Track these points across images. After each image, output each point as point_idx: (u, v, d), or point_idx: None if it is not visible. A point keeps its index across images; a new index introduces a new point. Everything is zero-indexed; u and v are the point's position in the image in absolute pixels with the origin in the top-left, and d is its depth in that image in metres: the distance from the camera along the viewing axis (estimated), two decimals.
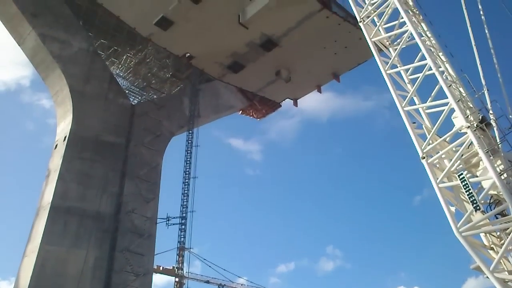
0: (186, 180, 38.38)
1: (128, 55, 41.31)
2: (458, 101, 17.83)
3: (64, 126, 34.89)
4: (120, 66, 42.38)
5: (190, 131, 40.61)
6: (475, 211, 15.70)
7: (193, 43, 38.07)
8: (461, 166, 17.09)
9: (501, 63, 19.96)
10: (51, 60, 34.95)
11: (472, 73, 19.44)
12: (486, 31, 20.54)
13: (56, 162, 33.15)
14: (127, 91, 39.91)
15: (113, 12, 36.03)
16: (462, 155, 16.98)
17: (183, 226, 36.74)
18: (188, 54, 38.97)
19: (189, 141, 40.28)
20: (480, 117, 17.43)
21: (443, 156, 17.83)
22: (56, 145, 34.69)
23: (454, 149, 17.49)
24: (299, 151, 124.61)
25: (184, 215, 37.00)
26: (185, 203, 37.47)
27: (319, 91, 44.61)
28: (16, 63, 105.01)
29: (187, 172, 38.80)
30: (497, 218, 15.87)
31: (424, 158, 17.69)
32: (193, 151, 39.92)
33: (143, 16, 35.75)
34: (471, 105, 18.41)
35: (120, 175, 34.38)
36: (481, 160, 16.23)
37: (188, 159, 39.54)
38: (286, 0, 33.76)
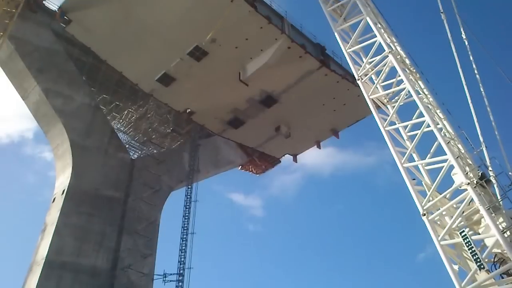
0: (184, 236, 37.95)
1: (130, 110, 41.86)
2: (457, 157, 17.87)
3: (63, 179, 34.84)
4: (121, 120, 42.85)
5: (189, 186, 40.53)
6: (479, 270, 15.38)
7: (194, 99, 38.59)
8: (462, 223, 16.89)
9: (499, 120, 20.18)
10: (53, 114, 35.38)
11: (470, 129, 19.61)
12: (482, 90, 20.84)
13: (53, 216, 32.87)
14: (127, 146, 40.18)
15: (116, 68, 36.71)
16: (463, 212, 16.82)
17: (180, 283, 35.95)
18: (189, 110, 39.38)
19: (188, 196, 40.16)
20: (480, 174, 17.38)
21: (444, 213, 17.67)
22: (54, 199, 34.52)
23: (454, 206, 17.36)
24: (301, 207, 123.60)
25: (181, 271, 36.32)
26: (182, 259, 36.89)
27: (319, 147, 44.86)
28: (21, 116, 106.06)
29: (185, 228, 38.40)
30: (502, 277, 15.54)
31: (424, 215, 17.52)
32: (192, 206, 39.74)
33: (145, 72, 36.41)
34: (470, 162, 18.42)
35: (117, 230, 34.04)
36: (483, 217, 16.07)
37: (187, 214, 39.24)
38: (286, 58, 34.49)
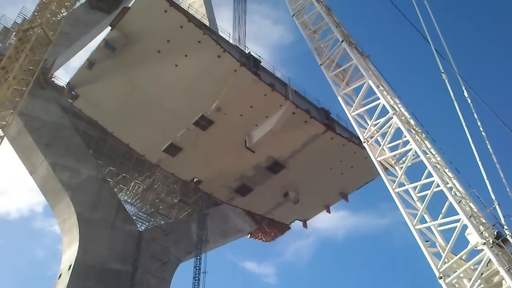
0: None
1: (136, 181, 41.82)
2: (470, 217, 17.44)
3: (69, 254, 34.28)
4: (128, 192, 42.74)
5: (198, 257, 39.68)
6: None
7: (201, 168, 38.56)
8: (482, 286, 16.19)
9: (509, 175, 19.82)
10: (60, 188, 35.38)
11: (481, 187, 19.23)
12: (489, 147, 20.63)
13: None
14: (134, 218, 39.85)
15: (123, 140, 37.00)
16: (481, 274, 16.18)
17: None
18: (196, 179, 39.22)
19: (197, 268, 39.23)
20: (495, 233, 16.85)
21: (461, 275, 17.01)
22: (60, 275, 33.83)
23: (472, 267, 16.74)
24: (315, 272, 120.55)
25: None
26: None
27: (328, 211, 44.16)
28: (31, 189, 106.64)
29: None
30: None
31: (441, 278, 16.88)
32: (202, 278, 38.70)
33: (152, 143, 36.65)
34: (484, 221, 17.95)
35: None
36: (503, 279, 15.42)
37: (196, 287, 38.16)
38: (291, 124, 34.73)
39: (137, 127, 35.87)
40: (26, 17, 37.58)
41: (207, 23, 38.10)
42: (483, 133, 22.30)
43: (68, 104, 36.79)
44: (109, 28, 31.67)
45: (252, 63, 34.19)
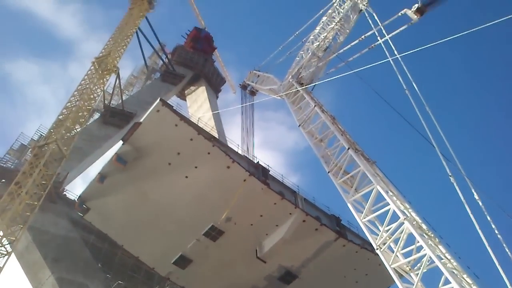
0: None
1: None
2: None
3: None
4: None
5: None
6: None
7: (211, 280, 37.55)
8: None
9: None
10: None
11: None
12: (507, 249, 20.18)
13: None
14: None
15: (133, 253, 36.58)
16: None
17: None
18: None
19: None
20: None
21: None
22: None
23: None
24: None
25: None
26: None
27: None
28: None
29: None
30: None
31: None
32: None
33: (161, 255, 36.16)
34: None
35: None
36: None
37: None
38: (302, 232, 34.40)
39: (147, 239, 35.62)
40: (42, 134, 39.03)
41: (216, 135, 39.26)
42: (498, 236, 21.94)
43: (78, 217, 36.88)
44: (121, 142, 32.70)
45: (261, 173, 34.73)
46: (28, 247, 35.32)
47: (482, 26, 24.59)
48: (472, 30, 25.02)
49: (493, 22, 24.37)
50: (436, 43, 26.35)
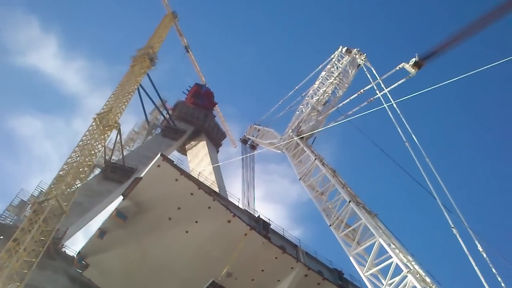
0: None
1: None
2: None
3: None
4: None
5: None
6: None
7: None
8: None
9: None
10: None
11: None
12: None
13: None
14: None
15: None
16: None
17: None
18: None
19: None
20: None
21: None
22: None
23: None
24: None
25: None
26: None
27: None
28: None
29: None
30: None
31: None
32: None
33: None
34: None
35: None
36: None
37: None
38: (304, 287, 33.80)
39: None
40: (42, 189, 38.98)
41: (217, 189, 39.25)
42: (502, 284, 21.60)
43: (76, 274, 36.21)
44: (121, 197, 32.67)
45: (262, 226, 34.55)
46: None
47: (475, 71, 24.99)
48: (466, 75, 25.42)
49: (489, 66, 24.77)
50: (431, 88, 26.79)
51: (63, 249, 39.32)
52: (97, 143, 39.86)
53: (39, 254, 30.03)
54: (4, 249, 29.02)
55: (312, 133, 37.72)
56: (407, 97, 27.49)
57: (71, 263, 36.37)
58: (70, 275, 37.11)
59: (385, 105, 28.38)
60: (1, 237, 36.30)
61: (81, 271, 34.65)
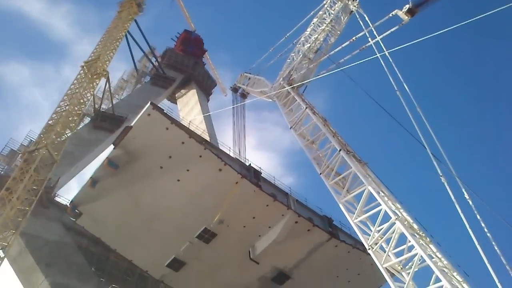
0: None
1: None
2: None
3: None
4: None
5: None
6: None
7: (205, 282, 37.65)
8: None
9: None
10: None
11: None
12: (496, 248, 20.45)
13: None
14: None
15: (126, 257, 36.61)
16: None
17: None
18: None
19: None
20: None
21: None
22: None
23: None
24: None
25: None
26: None
27: None
28: None
29: None
30: None
31: None
32: None
33: (155, 258, 36.19)
34: None
35: None
36: None
37: None
38: (294, 233, 34.57)
39: (140, 243, 35.63)
40: (32, 139, 38.91)
41: (208, 138, 39.33)
42: (488, 234, 22.21)
43: (70, 222, 36.83)
44: (112, 146, 32.67)
45: (253, 175, 34.88)
46: (21, 252, 35.20)
47: (469, 21, 24.85)
48: (460, 24, 25.26)
49: (481, 16, 24.61)
50: (424, 38, 26.60)
51: (56, 198, 39.79)
52: (86, 91, 39.48)
53: (32, 203, 30.31)
54: None
55: (303, 82, 37.50)
56: (400, 46, 27.21)
57: (64, 212, 36.91)
58: (64, 223, 37.79)
59: (378, 55, 27.99)
60: None
61: (74, 220, 35.13)
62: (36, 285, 35.19)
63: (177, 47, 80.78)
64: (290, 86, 36.43)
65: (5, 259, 29.21)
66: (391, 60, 27.50)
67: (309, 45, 38.05)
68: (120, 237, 35.66)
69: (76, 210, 34.31)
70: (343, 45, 34.25)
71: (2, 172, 38.89)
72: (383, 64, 27.63)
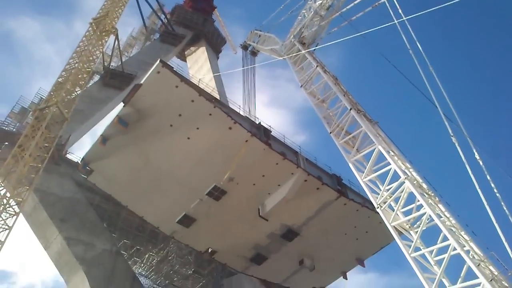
0: None
1: (151, 253, 41.57)
2: (491, 280, 17.15)
3: None
4: (142, 265, 42.37)
5: None
6: None
7: (215, 238, 38.39)
8: None
9: None
10: (74, 262, 35.10)
11: (499, 250, 18.94)
12: (505, 208, 20.50)
13: None
14: None
15: (137, 213, 37.22)
16: None
17: None
18: (211, 249, 38.98)
19: None
20: None
21: None
22: None
23: None
24: None
25: None
26: None
27: (345, 277, 43.09)
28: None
29: None
30: None
31: None
32: None
33: (165, 215, 36.78)
34: (506, 284, 17.62)
35: None
36: None
37: None
38: (303, 191, 34.84)
39: (151, 200, 36.16)
40: (42, 96, 38.99)
41: (218, 96, 39.18)
42: (497, 195, 22.22)
43: (82, 179, 37.30)
44: (121, 104, 32.68)
45: (262, 133, 34.87)
46: (35, 208, 35.93)
47: None
48: None
49: None
50: (444, 5, 25.97)
51: (67, 155, 40.18)
52: (94, 49, 39.08)
53: (44, 160, 30.61)
54: (10, 155, 29.61)
55: (314, 40, 36.94)
56: (420, 13, 26.50)
57: (76, 169, 37.33)
58: (76, 180, 38.29)
59: (395, 22, 27.24)
60: (6, 143, 36.96)
61: (86, 177, 35.58)
62: (50, 239, 36.08)
63: (186, 3, 79.37)
64: (305, 51, 35.65)
65: (21, 214, 29.79)
66: (408, 25, 26.87)
67: (320, 1, 37.23)
68: (131, 194, 36.17)
69: (87, 168, 34.71)
70: (356, 2, 33.57)
71: (14, 130, 39.20)
72: (399, 28, 27.03)
